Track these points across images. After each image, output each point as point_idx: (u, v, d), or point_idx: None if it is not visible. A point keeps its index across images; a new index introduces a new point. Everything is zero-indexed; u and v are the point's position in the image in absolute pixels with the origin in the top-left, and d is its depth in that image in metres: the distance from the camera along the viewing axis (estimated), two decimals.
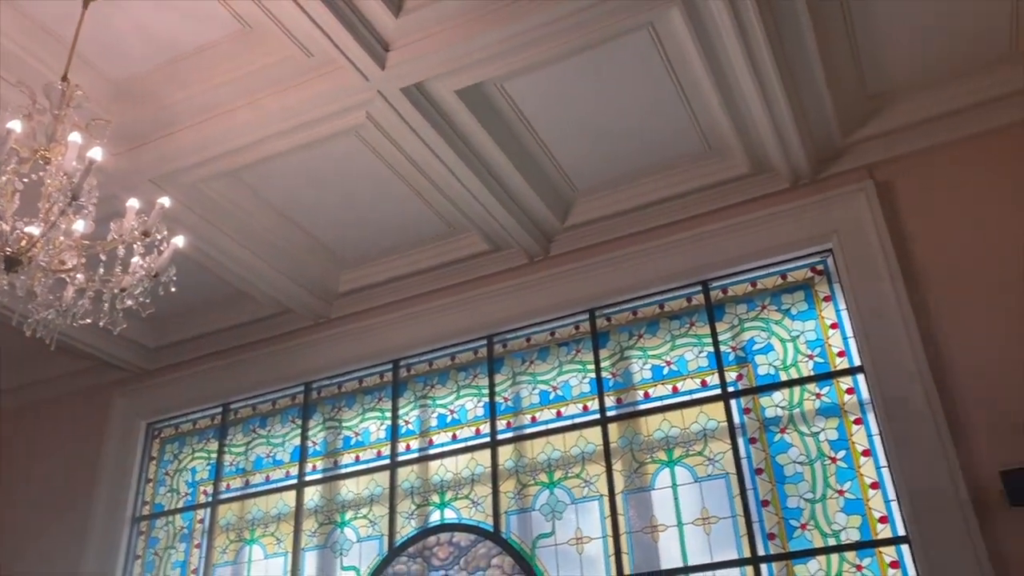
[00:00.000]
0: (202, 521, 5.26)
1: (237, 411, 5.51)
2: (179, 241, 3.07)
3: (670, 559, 4.05)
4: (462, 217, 4.66)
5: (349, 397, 5.22)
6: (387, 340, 5.09)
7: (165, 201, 3.03)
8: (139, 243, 2.91)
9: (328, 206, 4.63)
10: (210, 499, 5.29)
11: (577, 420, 4.55)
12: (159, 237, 2.93)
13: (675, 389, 4.41)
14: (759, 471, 4.03)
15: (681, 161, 4.45)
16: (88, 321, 2.91)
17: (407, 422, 4.98)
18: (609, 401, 4.52)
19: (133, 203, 3.03)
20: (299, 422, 5.26)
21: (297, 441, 5.21)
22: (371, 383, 5.19)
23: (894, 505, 3.70)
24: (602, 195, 4.64)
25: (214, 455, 5.43)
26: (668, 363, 4.48)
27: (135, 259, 2.96)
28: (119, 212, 3.11)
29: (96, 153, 2.65)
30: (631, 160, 4.42)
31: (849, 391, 4.00)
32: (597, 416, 4.50)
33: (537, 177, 4.46)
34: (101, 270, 2.91)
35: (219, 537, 5.16)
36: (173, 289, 3.04)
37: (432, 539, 4.57)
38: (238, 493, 5.25)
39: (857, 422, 3.93)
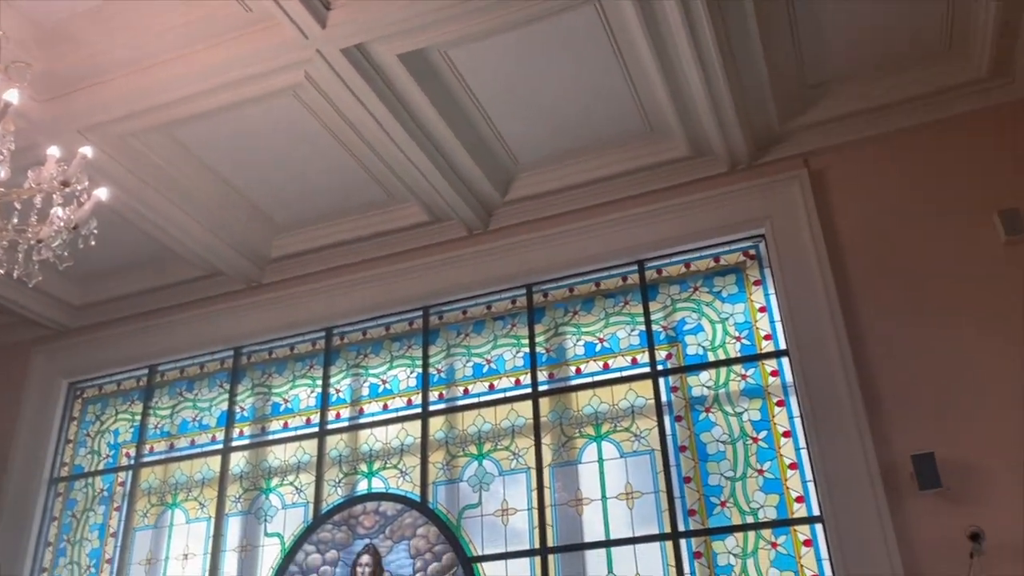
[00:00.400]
0: (123, 484, 5.15)
1: (163, 373, 5.39)
2: (102, 193, 2.96)
3: (593, 532, 4.11)
4: (402, 186, 4.61)
5: (280, 363, 5.15)
6: (320, 307, 5.02)
7: (87, 151, 2.92)
8: (58, 193, 2.80)
9: (263, 168, 4.52)
10: (132, 462, 5.18)
11: (509, 393, 4.57)
12: (80, 188, 2.83)
13: (606, 366, 4.45)
14: (683, 448, 4.11)
15: (623, 140, 4.46)
16: (1, 271, 2.79)
17: (338, 391, 4.94)
18: (541, 376, 4.55)
19: (54, 151, 2.91)
20: (227, 387, 5.17)
21: (225, 406, 5.12)
22: (303, 350, 5.12)
23: (811, 486, 3.81)
24: (544, 171, 4.64)
25: (138, 417, 5.30)
26: (601, 340, 4.52)
27: (54, 210, 2.85)
28: (43, 162, 2.99)
29: (12, 96, 2.54)
30: (574, 137, 4.43)
31: (774, 373, 4.10)
32: (529, 390, 4.52)
33: (479, 149, 4.43)
34: (15, 220, 2.80)
35: (140, 500, 5.06)
36: (94, 243, 2.94)
37: (359, 507, 4.56)
38: (162, 456, 5.14)
39: (780, 404, 4.03)
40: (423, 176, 4.38)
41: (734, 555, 3.82)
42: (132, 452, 5.22)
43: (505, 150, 4.49)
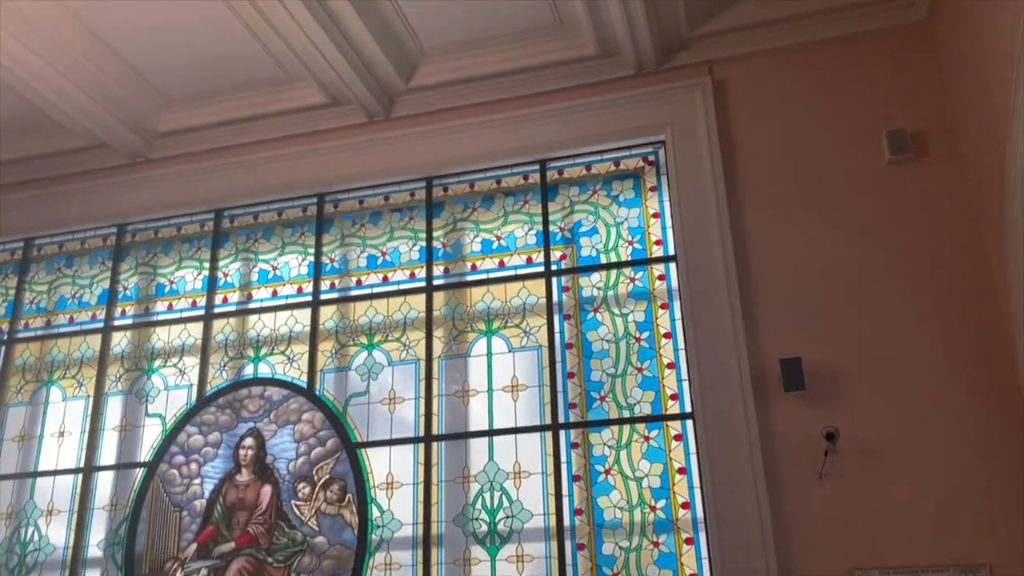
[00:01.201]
0: None
1: (41, 248, 5.13)
2: None
3: (478, 423, 4.20)
4: (300, 64, 4.41)
5: (166, 244, 4.97)
6: (210, 187, 4.83)
7: None
8: None
9: (153, 37, 4.25)
10: (5, 336, 4.97)
11: (403, 286, 4.55)
12: None
13: (502, 263, 4.47)
14: (569, 346, 4.20)
15: (532, 34, 4.37)
16: None
17: (226, 274, 4.81)
18: (437, 270, 4.54)
19: None
20: (109, 264, 4.97)
21: (106, 284, 4.93)
22: (190, 231, 4.94)
23: (685, 384, 3.97)
24: (449, 59, 4.51)
25: (12, 291, 5.06)
26: (498, 238, 4.52)
27: None
28: None
29: None
30: (483, 25, 4.30)
31: (660, 278, 4.20)
32: (423, 284, 4.51)
33: (382, 29, 4.26)
34: None
35: (14, 377, 4.88)
36: None
37: (244, 391, 4.52)
38: (38, 333, 4.95)
39: (664, 307, 4.14)
40: (321, 55, 4.20)
41: (609, 447, 3.97)
42: (5, 327, 5.00)
43: (410, 33, 4.33)
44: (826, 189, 4.02)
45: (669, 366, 4.04)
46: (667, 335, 4.08)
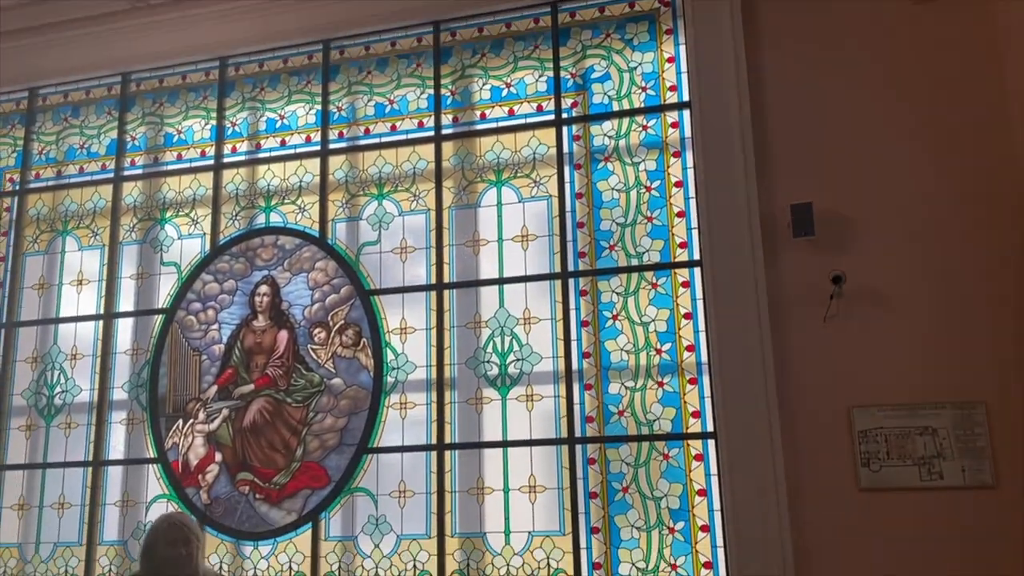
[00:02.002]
0: (8, 210, 4.98)
1: (46, 98, 5.07)
2: None
3: (488, 271, 4.25)
4: None
5: (172, 93, 4.89)
6: (213, 34, 4.70)
7: None
8: None
9: None
10: (17, 187, 4.99)
11: (412, 135, 4.50)
12: None
13: (511, 112, 4.40)
14: (579, 195, 4.19)
15: None
16: None
17: (234, 124, 4.76)
18: (445, 119, 4.47)
19: None
20: (116, 114, 4.92)
21: (114, 134, 4.90)
22: (196, 80, 4.85)
23: (695, 232, 3.98)
24: None
25: (20, 142, 5.04)
26: (508, 85, 4.42)
27: None
28: None
29: None
30: None
31: (674, 125, 4.13)
32: (432, 133, 4.46)
33: None
34: None
35: (29, 227, 4.94)
36: None
37: (256, 240, 4.56)
38: (50, 183, 4.96)
39: (676, 155, 4.10)
40: None
41: (617, 293, 4.03)
42: (16, 177, 5.01)
43: None
44: (848, 30, 3.89)
45: (679, 214, 4.03)
46: (678, 184, 4.06)
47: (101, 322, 4.68)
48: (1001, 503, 3.38)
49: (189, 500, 4.31)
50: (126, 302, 4.70)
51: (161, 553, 2.89)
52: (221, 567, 4.20)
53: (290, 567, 4.14)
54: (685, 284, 3.96)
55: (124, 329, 4.66)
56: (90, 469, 4.50)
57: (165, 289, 4.64)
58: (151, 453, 4.45)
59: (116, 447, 4.53)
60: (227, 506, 4.26)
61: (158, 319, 4.61)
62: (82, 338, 4.70)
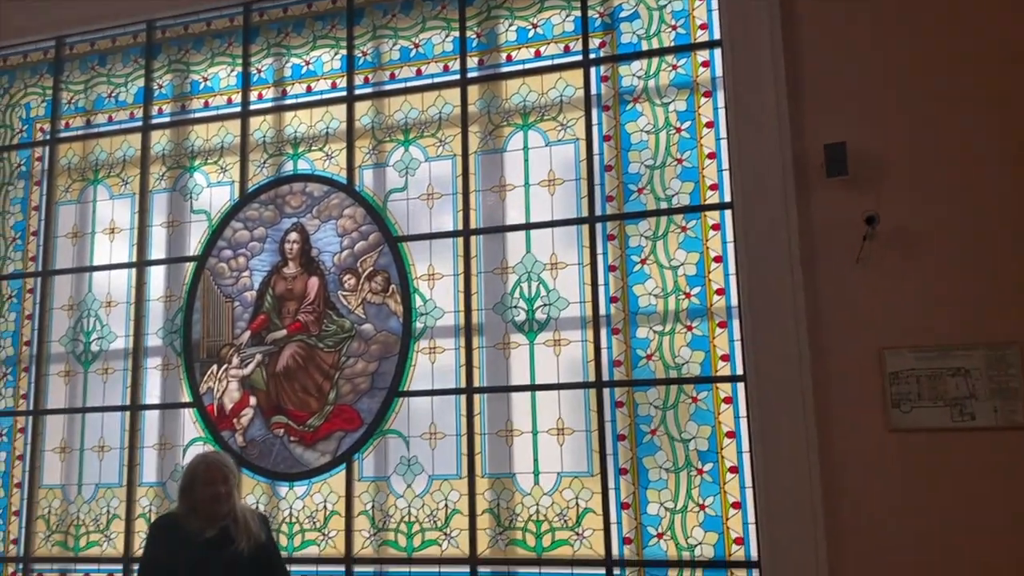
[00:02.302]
0: (40, 159, 5.03)
1: (72, 46, 5.07)
2: None
3: (515, 216, 4.24)
4: None
5: (197, 40, 4.87)
6: None
7: None
8: None
9: None
10: (47, 136, 5.03)
11: (437, 79, 4.46)
12: None
13: (538, 53, 4.34)
14: (607, 138, 4.15)
15: None
16: None
17: (259, 70, 4.74)
18: (471, 62, 4.42)
19: None
20: (142, 62, 4.92)
21: (141, 82, 4.91)
22: (220, 26, 4.82)
23: (726, 175, 3.93)
24: None
25: (49, 91, 5.06)
26: (534, 26, 4.35)
27: None
28: None
29: None
30: None
31: (704, 64, 4.05)
32: (458, 77, 4.42)
33: None
34: None
35: (60, 176, 4.99)
36: None
37: (285, 188, 4.58)
38: (79, 133, 5.00)
39: (706, 95, 4.03)
40: None
41: (645, 237, 4.01)
42: (47, 127, 5.06)
43: None
44: None
45: (710, 156, 3.98)
46: (709, 124, 4.00)
47: (134, 270, 4.74)
48: None
49: (225, 443, 4.41)
50: (158, 250, 4.75)
51: (199, 491, 2.96)
52: (257, 507, 4.31)
53: (325, 506, 4.24)
54: (715, 227, 3.93)
55: (157, 277, 4.73)
56: (128, 413, 4.61)
57: (196, 237, 4.69)
58: (187, 397, 4.54)
59: (152, 392, 4.62)
60: (262, 448, 4.36)
61: (190, 267, 4.66)
62: (116, 286, 4.78)
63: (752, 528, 3.68)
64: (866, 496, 3.51)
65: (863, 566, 3.45)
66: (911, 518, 3.44)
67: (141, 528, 4.47)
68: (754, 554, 3.66)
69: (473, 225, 4.28)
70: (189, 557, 2.81)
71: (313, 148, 4.59)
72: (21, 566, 4.62)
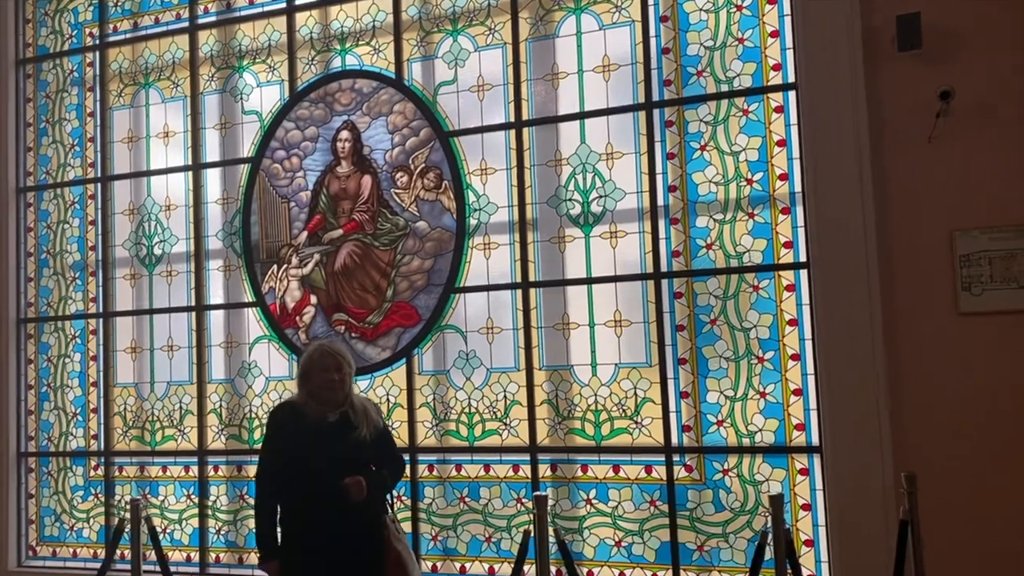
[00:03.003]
0: (92, 65, 5.04)
1: None
2: None
3: (568, 105, 4.13)
4: None
5: None
6: None
7: None
8: None
9: None
10: (96, 41, 5.02)
11: None
12: None
13: None
14: (664, 19, 3.98)
15: None
16: None
17: None
18: None
19: None
20: None
21: None
22: None
23: (789, 54, 3.76)
24: None
25: None
26: None
27: None
28: None
29: None
30: None
31: None
32: None
33: None
34: None
35: (112, 81, 5.00)
36: None
37: (334, 85, 4.52)
38: (127, 36, 4.97)
39: None
40: None
41: (705, 123, 3.88)
42: (96, 32, 5.04)
43: None
44: None
45: (772, 34, 3.80)
46: (771, 0, 3.80)
47: (190, 173, 4.78)
48: None
49: (289, 340, 4.51)
50: (212, 153, 4.77)
51: (316, 378, 2.97)
52: None
53: (387, 399, 4.34)
54: (778, 109, 3.78)
55: (213, 179, 4.76)
56: (193, 314, 4.73)
57: (248, 138, 4.69)
58: (249, 297, 4.63)
59: (216, 292, 4.73)
60: None
61: (244, 168, 4.68)
62: (174, 189, 4.83)
63: (814, 414, 3.66)
64: (932, 381, 3.45)
65: (927, 451, 3.42)
66: (978, 403, 3.38)
67: (213, 423, 4.65)
68: (815, 439, 3.65)
69: (525, 116, 4.19)
70: (316, 442, 2.85)
71: (360, 42, 4.50)
72: (103, 460, 4.86)
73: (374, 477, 2.91)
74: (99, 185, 4.98)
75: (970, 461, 3.38)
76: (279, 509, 2.94)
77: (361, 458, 2.87)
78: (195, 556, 4.62)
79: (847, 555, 3.50)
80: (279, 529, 3.00)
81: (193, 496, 4.66)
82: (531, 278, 4.14)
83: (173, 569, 4.15)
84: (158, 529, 4.51)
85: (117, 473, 4.84)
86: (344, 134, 4.48)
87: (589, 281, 4.05)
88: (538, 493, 3.11)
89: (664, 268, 3.92)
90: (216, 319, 4.72)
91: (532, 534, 3.20)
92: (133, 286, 4.90)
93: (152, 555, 4.16)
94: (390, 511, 2.93)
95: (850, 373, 3.52)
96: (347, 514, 2.79)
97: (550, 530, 3.10)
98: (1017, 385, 3.34)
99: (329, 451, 2.81)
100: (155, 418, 4.78)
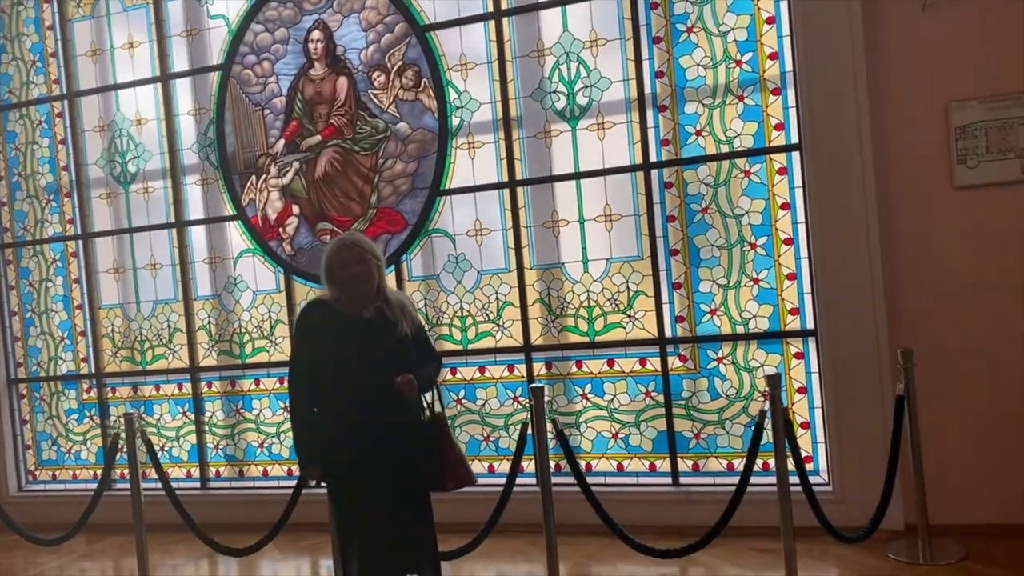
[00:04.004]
0: None
1: None
2: None
3: None
4: None
5: None
6: None
7: None
8: None
9: None
10: None
11: None
12: None
13: None
14: None
15: None
16: None
17: None
18: None
19: None
20: None
21: None
22: None
23: None
24: None
25: None
26: None
27: None
28: None
29: None
30: None
31: None
32: None
33: None
34: None
35: None
36: None
37: None
38: None
39: None
40: None
41: (691, 2, 3.72)
42: None
43: None
44: None
45: None
46: None
47: (159, 85, 4.60)
48: None
49: (273, 252, 4.43)
50: (180, 61, 4.59)
51: (338, 274, 2.80)
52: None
53: None
54: (770, 20, 3.62)
55: (183, 90, 4.59)
56: (175, 230, 4.63)
57: (217, 44, 4.50)
58: (230, 211, 4.52)
59: (195, 207, 4.61)
60: (311, 255, 4.36)
61: (215, 76, 4.50)
62: (144, 103, 4.66)
63: (808, 298, 3.64)
64: (928, 257, 3.42)
65: (922, 328, 3.41)
66: (974, 276, 3.36)
67: (203, 339, 4.60)
68: (810, 323, 3.64)
69: (504, 6, 4.01)
70: (354, 339, 2.67)
71: None
72: (94, 382, 4.82)
73: (423, 375, 2.77)
74: (65, 102, 4.79)
75: (965, 335, 3.37)
76: (318, 412, 2.77)
77: (404, 355, 2.70)
78: (195, 472, 4.64)
79: (844, 436, 3.52)
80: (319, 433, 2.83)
81: (188, 413, 4.65)
82: (518, 176, 4.04)
83: (175, 485, 4.17)
84: (156, 447, 4.50)
85: (110, 394, 4.82)
86: (316, 34, 4.30)
87: (577, 176, 3.96)
88: (534, 385, 3.09)
89: (653, 158, 3.83)
90: (198, 234, 4.62)
91: (530, 429, 3.19)
92: (109, 205, 4.78)
93: (151, 473, 4.16)
94: (443, 409, 2.79)
95: (844, 254, 3.48)
96: (393, 414, 2.63)
97: (548, 424, 3.09)
98: (1012, 257, 3.30)
99: (369, 349, 2.62)
100: (144, 338, 4.73)
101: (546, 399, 3.90)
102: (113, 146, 4.73)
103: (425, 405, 2.78)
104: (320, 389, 2.67)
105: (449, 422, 2.75)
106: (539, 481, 3.07)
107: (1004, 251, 3.31)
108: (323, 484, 2.77)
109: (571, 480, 3.29)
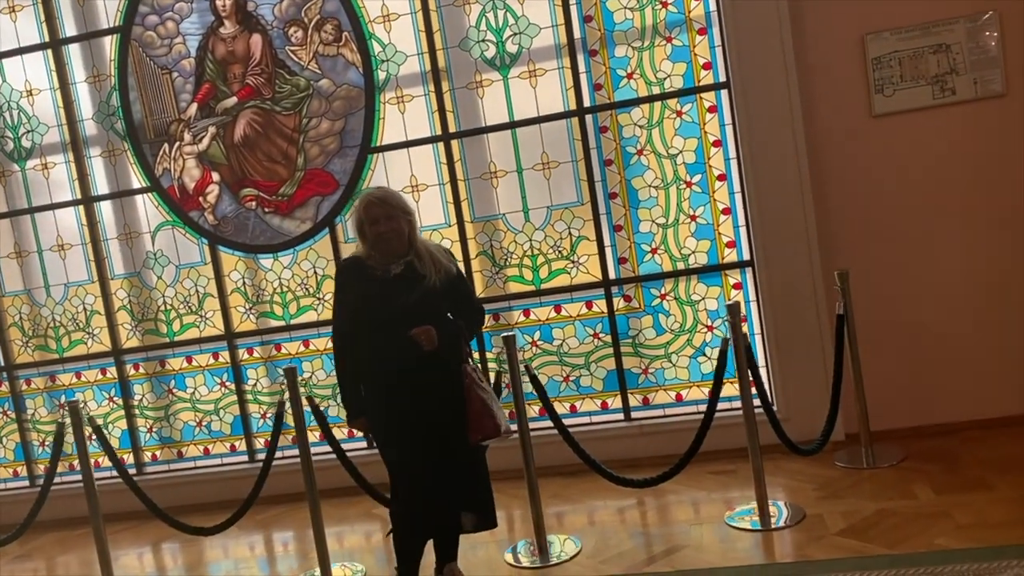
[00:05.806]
0: None
1: None
2: None
3: None
4: None
5: None
6: None
7: None
8: None
9: None
10: None
11: None
12: None
13: None
14: None
15: None
16: None
17: None
18: None
19: None
20: None
21: None
22: None
23: None
24: None
25: None
26: None
27: None
28: None
29: None
30: None
31: None
32: None
33: None
34: None
35: None
36: None
37: None
38: None
39: None
40: None
41: None
42: None
43: None
44: None
45: None
46: None
47: (49, 51, 4.26)
48: (1010, 111, 3.48)
49: (194, 223, 4.22)
50: (70, 25, 4.25)
51: (368, 232, 2.72)
52: (243, 282, 4.22)
53: (315, 272, 4.18)
54: None
55: (77, 55, 4.26)
56: (82, 207, 4.33)
57: (113, 5, 4.19)
58: (142, 182, 4.27)
59: (101, 182, 4.32)
60: (236, 224, 4.19)
61: (113, 40, 4.20)
62: (33, 71, 4.30)
63: (743, 231, 3.80)
64: (853, 185, 3.62)
65: (855, 250, 3.63)
66: (899, 198, 3.59)
67: (124, 320, 4.36)
68: (746, 255, 3.80)
69: None
70: (382, 295, 2.64)
71: None
72: (5, 375, 4.50)
73: (447, 325, 2.75)
74: None
75: (895, 253, 3.62)
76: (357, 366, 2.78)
77: (431, 308, 2.67)
78: (128, 458, 4.42)
79: (784, 358, 3.72)
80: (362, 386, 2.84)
81: (116, 398, 4.41)
82: (451, 129, 3.99)
83: (104, 474, 3.99)
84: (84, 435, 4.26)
85: (25, 387, 4.51)
86: None
87: (512, 125, 3.95)
88: (506, 334, 3.09)
89: (587, 103, 3.87)
90: (107, 210, 4.34)
91: (504, 379, 3.20)
92: (4, 185, 4.41)
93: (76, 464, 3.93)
94: (471, 360, 2.78)
95: (776, 186, 3.65)
96: (421, 366, 2.64)
97: (521, 368, 3.12)
98: (932, 179, 3.55)
99: (396, 303, 2.60)
100: (58, 324, 4.43)
101: (494, 351, 3.95)
102: (2, 120, 4.36)
103: (468, 353, 2.80)
104: (354, 344, 2.71)
105: (476, 372, 2.75)
106: (519, 428, 3.10)
107: (925, 173, 3.55)
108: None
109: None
